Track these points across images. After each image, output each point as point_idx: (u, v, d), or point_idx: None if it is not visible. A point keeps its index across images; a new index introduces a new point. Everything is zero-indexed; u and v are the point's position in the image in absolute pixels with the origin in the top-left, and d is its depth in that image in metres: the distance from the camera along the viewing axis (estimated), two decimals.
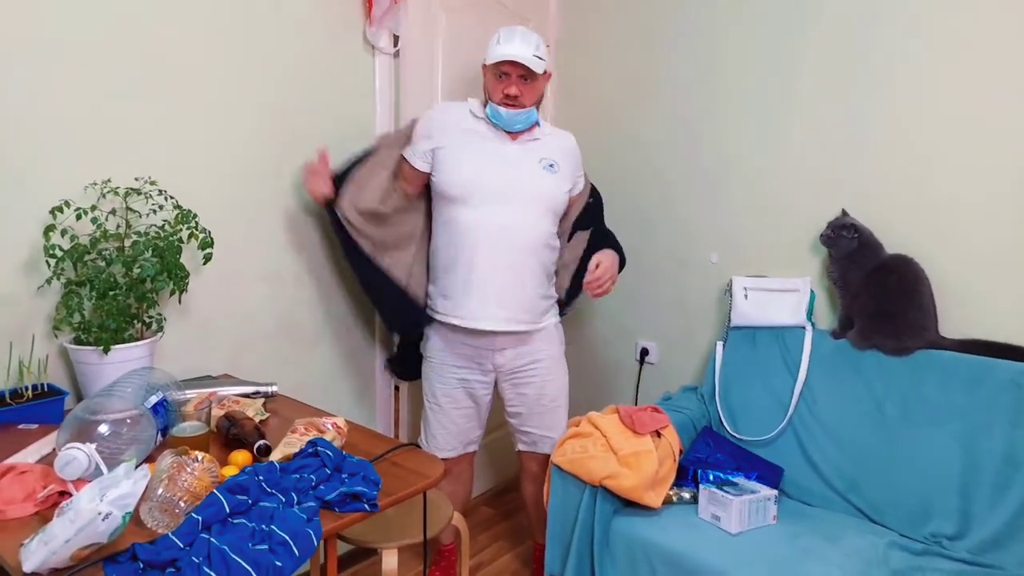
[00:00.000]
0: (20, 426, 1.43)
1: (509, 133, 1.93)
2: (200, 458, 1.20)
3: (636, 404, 2.28)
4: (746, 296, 2.20)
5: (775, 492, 1.83)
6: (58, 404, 1.52)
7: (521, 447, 2.14)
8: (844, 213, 2.07)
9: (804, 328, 2.14)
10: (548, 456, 2.08)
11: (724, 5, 2.33)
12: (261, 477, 1.21)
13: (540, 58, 1.86)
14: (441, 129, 1.93)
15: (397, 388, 2.42)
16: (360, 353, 2.31)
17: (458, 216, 1.91)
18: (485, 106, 1.93)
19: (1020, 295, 1.89)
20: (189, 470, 1.17)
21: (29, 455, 1.34)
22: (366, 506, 1.22)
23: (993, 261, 1.92)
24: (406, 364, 2.22)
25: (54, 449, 1.38)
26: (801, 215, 2.21)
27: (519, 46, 1.83)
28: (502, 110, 1.88)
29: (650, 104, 2.53)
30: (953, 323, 1.96)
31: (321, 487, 1.24)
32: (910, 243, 2.00)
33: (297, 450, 1.35)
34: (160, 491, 1.13)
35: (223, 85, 1.84)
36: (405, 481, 1.34)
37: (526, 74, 1.85)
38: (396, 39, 2.20)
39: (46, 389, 1.55)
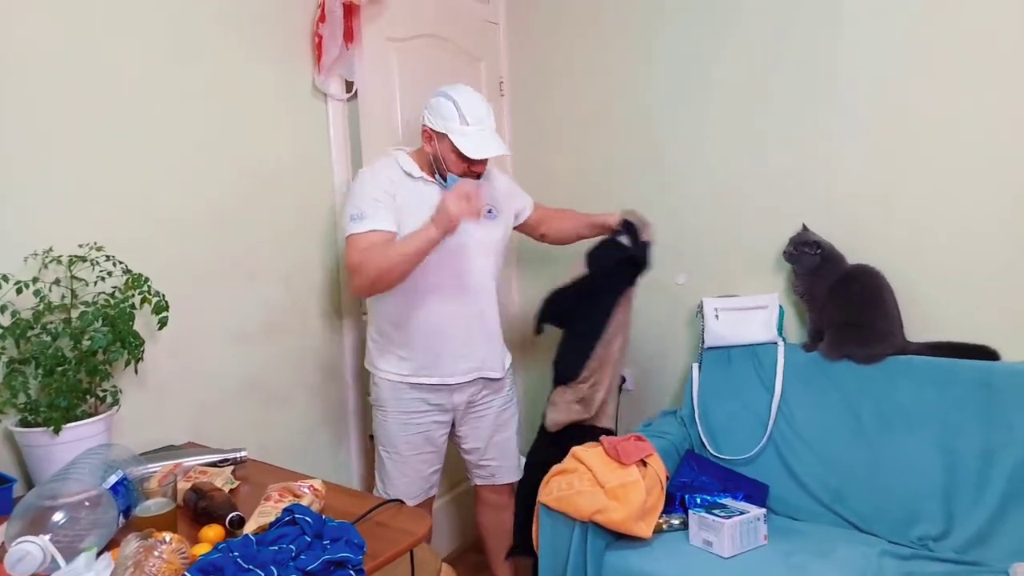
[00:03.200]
0: None
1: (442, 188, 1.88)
2: (168, 539, 1.11)
3: (616, 434, 2.25)
4: (717, 316, 2.20)
5: (763, 511, 1.81)
6: (6, 493, 1.40)
7: (478, 481, 2.16)
8: (805, 228, 2.10)
9: (776, 344, 2.15)
10: (504, 487, 2.15)
11: (677, 28, 2.37)
12: (236, 553, 1.13)
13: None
14: (386, 190, 1.84)
15: (372, 436, 2.33)
16: (332, 406, 2.23)
17: (422, 280, 1.85)
18: (433, 171, 1.88)
19: (979, 294, 1.93)
20: (156, 554, 1.09)
21: None
22: (351, 573, 1.15)
23: (953, 264, 1.97)
24: None
25: (2, 543, 1.28)
26: (763, 231, 2.24)
27: (497, 143, 1.84)
28: (463, 180, 1.82)
29: (607, 131, 2.55)
30: (917, 326, 1.99)
31: (302, 557, 1.16)
32: (871, 253, 2.04)
33: (273, 519, 1.27)
34: None
35: (170, 142, 1.78)
36: (391, 541, 1.28)
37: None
38: (348, 84, 2.18)
39: None
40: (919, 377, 1.91)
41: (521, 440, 2.19)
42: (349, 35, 2.07)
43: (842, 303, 2.01)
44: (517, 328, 2.66)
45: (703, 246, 2.39)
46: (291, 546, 1.18)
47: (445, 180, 1.86)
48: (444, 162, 1.85)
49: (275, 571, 1.12)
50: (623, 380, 2.61)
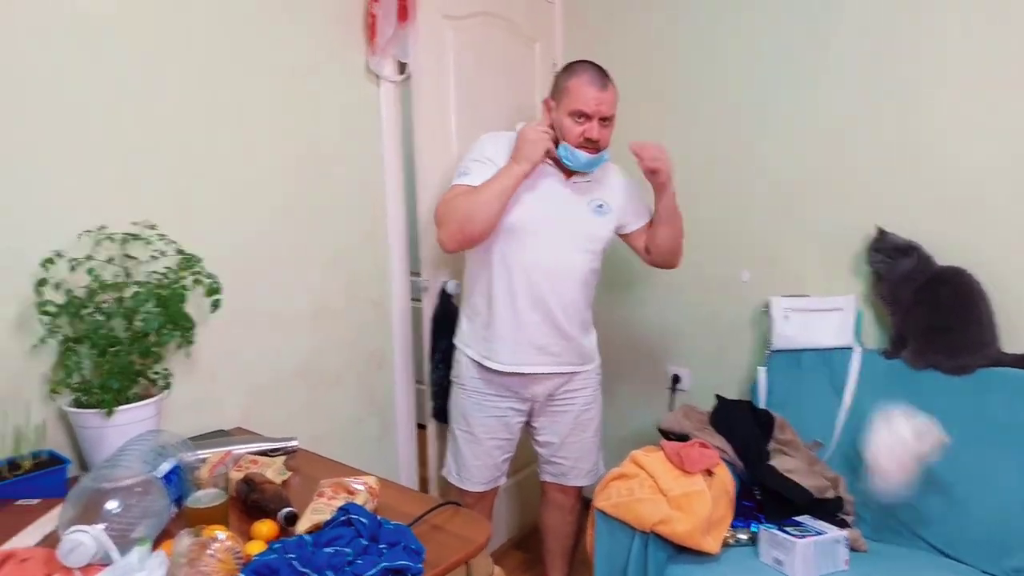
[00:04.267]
0: (19, 502, 1.29)
1: (565, 172, 1.85)
2: (222, 537, 1.06)
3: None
4: (787, 317, 2.07)
5: (845, 533, 1.68)
6: (59, 474, 1.37)
7: (547, 478, 2.08)
8: (882, 232, 1.95)
9: (852, 349, 2.01)
10: (577, 488, 2.07)
11: (746, 13, 2.23)
12: (292, 555, 1.07)
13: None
14: (500, 156, 1.81)
15: (422, 427, 2.28)
16: (380, 394, 2.17)
17: (498, 253, 1.83)
18: (556, 144, 1.81)
19: None
20: (210, 552, 1.03)
21: (29, 536, 1.20)
22: None
23: None
24: None
25: (56, 526, 1.25)
26: (839, 229, 2.10)
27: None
28: (580, 154, 1.78)
29: (670, 118, 2.42)
30: (1013, 337, 1.84)
31: (359, 562, 1.09)
32: (961, 254, 1.89)
33: (327, 517, 1.21)
34: None
35: (222, 122, 1.72)
36: (449, 547, 1.20)
37: (609, 117, 1.79)
38: (401, 66, 2.09)
39: (46, 457, 1.40)
40: (1014, 391, 1.77)
41: (601, 446, 2.10)
42: (403, 13, 1.97)
43: (930, 307, 1.86)
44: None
45: (771, 242, 2.25)
46: (347, 549, 1.11)
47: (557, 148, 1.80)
48: (560, 130, 1.80)
49: None
50: (677, 379, 2.51)
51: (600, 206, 1.89)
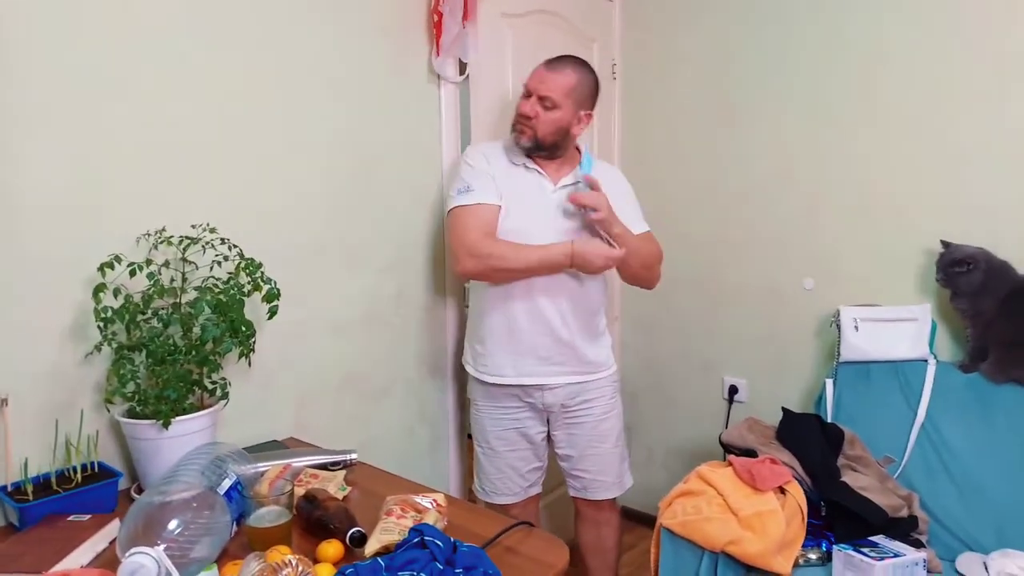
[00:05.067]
0: (70, 517, 1.23)
1: (551, 179, 1.79)
2: (292, 561, 0.99)
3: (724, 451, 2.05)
4: (856, 327, 1.98)
5: (923, 555, 1.58)
6: (111, 488, 1.32)
7: (573, 492, 1.99)
8: (947, 246, 1.85)
9: (926, 361, 1.91)
10: (603, 502, 1.97)
11: (812, 15, 2.14)
12: None
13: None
14: (492, 167, 1.77)
15: (471, 436, 2.21)
16: (432, 403, 2.10)
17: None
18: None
19: None
20: None
21: (83, 554, 1.14)
22: None
23: None
24: None
25: (110, 543, 1.20)
26: (912, 236, 2.00)
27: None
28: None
29: (732, 121, 2.34)
30: None
31: None
32: None
33: (397, 538, 1.14)
34: None
35: (282, 126, 1.68)
36: (525, 573, 1.13)
37: (546, 97, 1.70)
38: (462, 66, 2.03)
39: (96, 469, 1.35)
40: None
41: (627, 456, 2.00)
42: (467, 12, 1.92)
43: (1014, 319, 1.76)
44: None
45: (837, 249, 2.16)
46: (422, 574, 1.05)
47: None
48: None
49: None
50: (734, 390, 2.42)
51: (598, 211, 1.78)
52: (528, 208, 1.75)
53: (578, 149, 1.85)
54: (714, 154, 2.38)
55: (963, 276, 1.81)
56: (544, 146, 1.75)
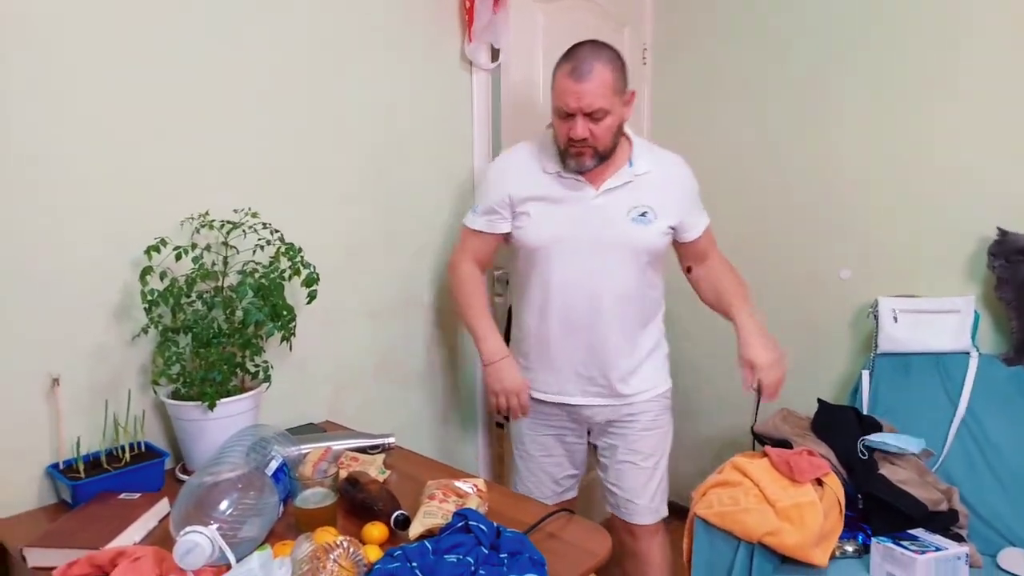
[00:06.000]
0: (121, 495, 1.26)
1: (594, 181, 1.59)
2: (343, 542, 1.00)
3: (755, 441, 2.03)
4: (895, 319, 1.95)
5: (966, 549, 1.56)
6: (158, 467, 1.35)
7: (609, 508, 1.81)
8: (1004, 233, 1.80)
9: (968, 354, 1.87)
10: (640, 529, 1.75)
11: None
12: (414, 563, 1.01)
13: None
14: (510, 186, 1.63)
15: (501, 425, 2.22)
16: (463, 388, 2.11)
17: (532, 274, 1.66)
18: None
19: None
20: (332, 557, 0.98)
21: (135, 533, 1.17)
22: None
23: None
24: None
25: (160, 521, 1.22)
26: (954, 225, 1.96)
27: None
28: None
29: (768, 107, 2.29)
30: None
31: (481, 572, 1.04)
32: None
33: (440, 522, 1.15)
34: None
35: (321, 114, 1.68)
36: (569, 559, 1.13)
37: (596, 112, 1.48)
38: (494, 53, 2.02)
39: (143, 449, 1.38)
40: None
41: (663, 482, 1.78)
42: None
43: None
44: None
45: (874, 237, 2.12)
46: (468, 558, 1.05)
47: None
48: (555, 134, 1.59)
49: None
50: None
51: (643, 213, 1.60)
52: (565, 217, 1.59)
53: (628, 139, 1.64)
54: (749, 141, 2.35)
55: (1014, 265, 1.77)
56: (607, 154, 1.56)
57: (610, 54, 1.52)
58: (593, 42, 1.54)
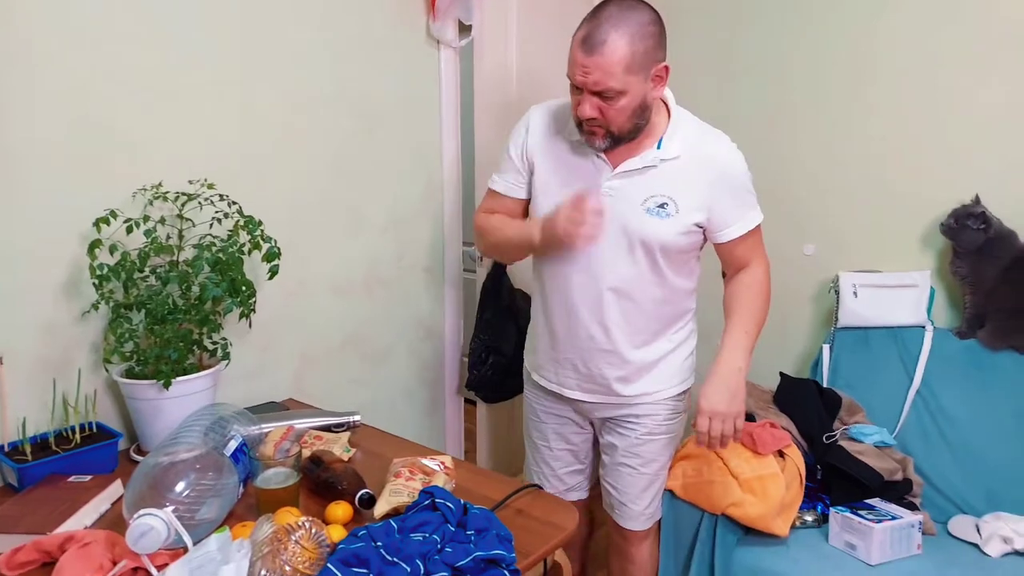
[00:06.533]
0: (70, 478, 1.21)
1: (609, 157, 1.40)
2: (305, 523, 0.98)
3: None
4: (855, 293, 1.98)
5: (919, 517, 1.61)
6: (111, 449, 1.30)
7: (604, 505, 1.69)
8: (977, 200, 1.84)
9: (924, 327, 1.92)
10: (630, 533, 1.63)
11: None
12: (379, 543, 1.00)
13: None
14: (529, 149, 1.47)
15: (473, 403, 2.20)
16: (430, 367, 2.09)
17: (538, 262, 1.55)
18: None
19: None
20: (294, 539, 0.96)
21: (86, 516, 1.12)
22: (506, 573, 1.01)
23: None
24: (494, 387, 1.99)
25: (113, 504, 1.18)
26: (913, 202, 1.99)
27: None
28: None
29: (732, 83, 2.29)
30: None
31: (447, 550, 1.02)
32: None
33: (407, 500, 1.13)
34: (263, 572, 0.91)
35: (281, 81, 1.62)
36: (536, 534, 1.13)
37: (603, 91, 1.27)
38: (463, 28, 1.96)
39: (95, 429, 1.33)
40: None
41: (660, 489, 1.64)
42: None
43: (1017, 288, 1.77)
44: None
45: (838, 213, 2.14)
46: (435, 536, 1.04)
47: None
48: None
49: (422, 566, 0.98)
50: None
51: (662, 205, 1.39)
52: (572, 193, 1.36)
53: (668, 114, 1.42)
54: (716, 115, 2.33)
55: (969, 232, 1.79)
56: (626, 136, 1.35)
57: (637, 21, 1.26)
58: (622, 2, 1.27)
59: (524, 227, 1.45)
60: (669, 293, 1.49)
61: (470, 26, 1.96)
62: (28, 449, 1.23)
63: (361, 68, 1.78)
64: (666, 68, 1.33)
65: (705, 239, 1.48)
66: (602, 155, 1.40)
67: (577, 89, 1.31)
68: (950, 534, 1.69)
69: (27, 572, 0.98)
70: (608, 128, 1.32)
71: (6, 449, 1.24)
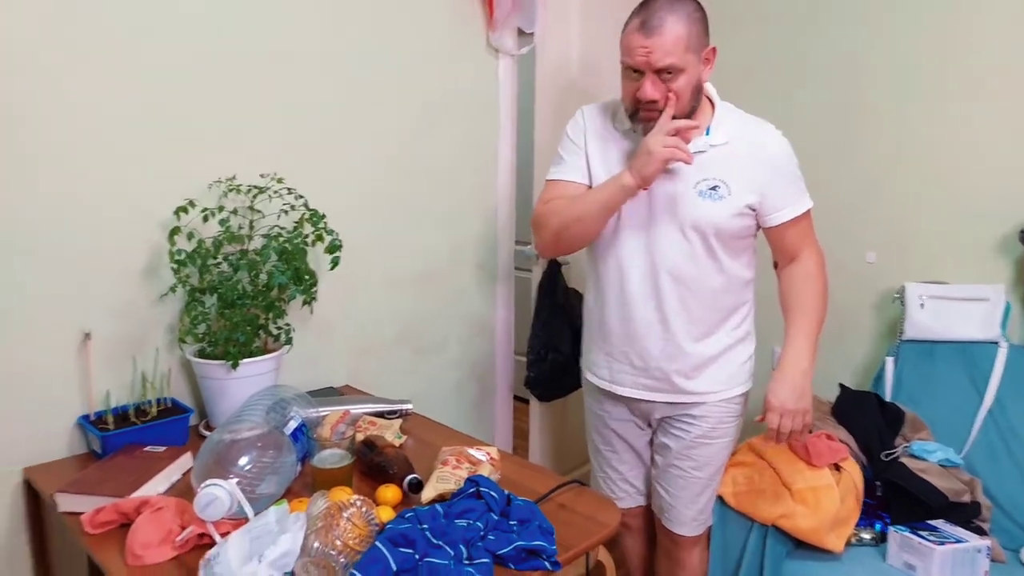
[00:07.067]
0: (146, 448, 1.30)
1: None
2: (357, 502, 1.03)
3: None
4: (922, 305, 1.91)
5: (987, 543, 1.54)
6: (183, 423, 1.39)
7: (654, 509, 1.67)
8: None
9: (997, 344, 1.83)
10: (680, 538, 1.61)
11: None
12: (425, 525, 1.03)
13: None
14: (586, 137, 1.50)
15: (524, 401, 2.23)
16: (480, 362, 2.13)
17: (592, 251, 1.55)
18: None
19: None
20: (346, 516, 1.00)
21: (160, 483, 1.21)
22: (547, 564, 1.03)
23: None
24: (550, 384, 2.02)
25: (183, 474, 1.26)
26: (988, 211, 1.91)
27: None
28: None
29: (798, 82, 2.25)
30: None
31: (490, 537, 1.05)
32: None
33: (452, 487, 1.17)
34: (316, 544, 0.96)
35: (347, 82, 1.69)
36: (577, 529, 1.14)
37: (667, 68, 1.31)
38: (523, 34, 2.00)
39: (169, 404, 1.42)
40: None
41: (713, 494, 1.62)
42: None
43: None
44: None
45: (904, 221, 2.07)
46: (478, 523, 1.07)
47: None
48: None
49: (464, 551, 1.02)
50: None
51: (714, 188, 1.41)
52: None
53: (710, 101, 1.47)
54: (777, 115, 2.29)
55: None
56: (684, 118, 1.37)
57: (685, 7, 1.34)
58: None
59: (607, 183, 1.41)
60: (726, 281, 1.48)
61: (531, 33, 1.98)
62: (111, 419, 1.32)
63: (422, 71, 1.84)
64: (713, 50, 1.40)
65: (758, 226, 1.49)
66: None
67: (635, 73, 1.35)
68: (1022, 563, 1.61)
69: (107, 531, 1.07)
70: (662, 107, 1.35)
71: (92, 418, 1.34)
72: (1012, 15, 1.84)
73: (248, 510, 1.03)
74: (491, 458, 1.28)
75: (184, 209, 1.35)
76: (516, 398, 2.27)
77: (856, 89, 2.12)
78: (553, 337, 2.02)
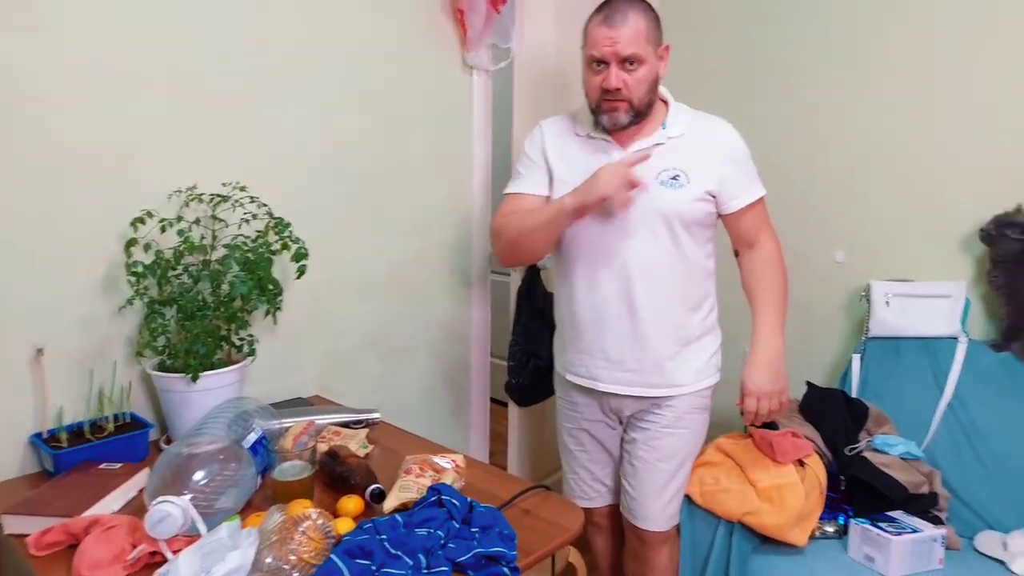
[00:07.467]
0: (102, 465, 1.28)
1: (621, 140, 1.51)
2: (313, 515, 1.02)
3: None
4: (888, 303, 1.94)
5: (942, 532, 1.57)
6: (142, 438, 1.37)
7: (621, 508, 1.69)
8: (1019, 209, 1.78)
9: (957, 339, 1.87)
10: (647, 535, 1.63)
11: None
12: (383, 536, 1.03)
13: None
14: (545, 150, 1.56)
15: (503, 404, 2.23)
16: (456, 367, 2.13)
17: (559, 247, 1.57)
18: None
19: None
20: (301, 529, 1.00)
21: (114, 501, 1.19)
22: (505, 571, 1.03)
23: None
24: (530, 390, 2.01)
25: (140, 491, 1.24)
26: (952, 210, 1.93)
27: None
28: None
29: (762, 85, 2.27)
30: None
31: (450, 545, 1.05)
32: None
33: (415, 496, 1.17)
34: (269, 559, 0.95)
35: (313, 89, 1.69)
36: (540, 534, 1.15)
37: (630, 57, 1.40)
38: (501, 51, 2.02)
39: (128, 419, 1.40)
40: None
41: (679, 489, 1.63)
42: (495, 1, 1.88)
43: None
44: None
45: (870, 220, 2.10)
46: (439, 532, 1.07)
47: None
48: (585, 89, 1.49)
49: (423, 560, 1.01)
50: None
51: (675, 177, 1.47)
52: (582, 178, 1.45)
53: (663, 100, 1.55)
54: (742, 123, 2.32)
55: (1008, 241, 1.75)
56: (642, 112, 1.47)
57: (643, 4, 1.46)
58: None
59: (552, 204, 1.49)
60: (690, 271, 1.54)
61: (508, 47, 1.99)
62: (64, 437, 1.30)
63: (394, 80, 1.84)
64: (667, 48, 1.50)
65: (718, 214, 1.55)
66: (610, 139, 1.51)
67: (599, 65, 1.43)
68: (976, 550, 1.64)
69: (53, 552, 1.05)
70: (630, 100, 1.44)
71: (44, 436, 1.32)
72: (972, 15, 1.87)
73: (201, 526, 1.02)
74: (456, 465, 1.28)
75: (141, 220, 1.33)
76: (494, 401, 2.26)
77: (821, 90, 2.15)
78: (534, 343, 2.01)
